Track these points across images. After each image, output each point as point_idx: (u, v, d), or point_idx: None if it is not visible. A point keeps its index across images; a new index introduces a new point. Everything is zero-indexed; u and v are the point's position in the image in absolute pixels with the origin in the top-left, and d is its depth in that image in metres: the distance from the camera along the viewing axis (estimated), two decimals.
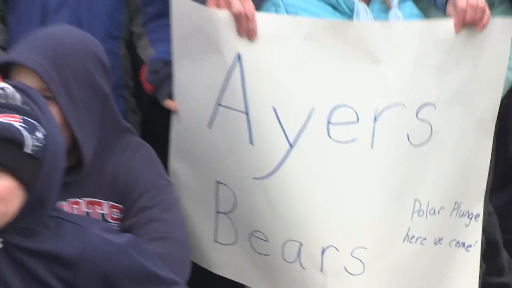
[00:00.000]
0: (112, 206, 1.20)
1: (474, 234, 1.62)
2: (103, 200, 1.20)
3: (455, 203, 1.63)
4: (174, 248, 1.18)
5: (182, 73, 1.39)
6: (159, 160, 1.29)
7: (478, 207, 1.61)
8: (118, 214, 1.21)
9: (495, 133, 1.59)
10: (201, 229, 1.53)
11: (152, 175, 1.24)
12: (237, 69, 1.29)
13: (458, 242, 1.63)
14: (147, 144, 1.30)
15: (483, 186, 1.60)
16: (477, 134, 1.47)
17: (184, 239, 1.24)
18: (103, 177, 1.20)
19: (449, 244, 1.64)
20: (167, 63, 1.40)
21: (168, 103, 1.42)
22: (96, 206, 1.21)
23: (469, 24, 1.29)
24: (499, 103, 1.43)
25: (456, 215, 1.60)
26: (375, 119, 1.34)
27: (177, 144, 1.47)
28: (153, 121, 1.64)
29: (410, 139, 1.38)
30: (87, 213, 1.20)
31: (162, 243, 1.16)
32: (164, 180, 1.26)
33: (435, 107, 1.37)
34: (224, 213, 1.48)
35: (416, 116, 1.37)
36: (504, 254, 2.03)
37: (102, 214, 1.21)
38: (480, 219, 1.61)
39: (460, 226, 1.62)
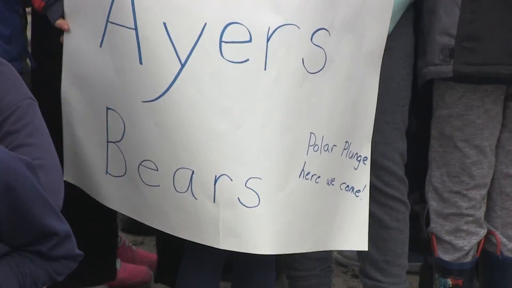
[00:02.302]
0: None
1: (362, 178, 1.58)
2: None
3: (346, 142, 1.60)
4: (46, 175, 1.07)
5: None
6: (20, 78, 1.17)
7: (366, 150, 1.59)
8: None
9: None
10: (93, 160, 1.45)
11: (15, 96, 1.12)
12: None
13: (348, 186, 1.59)
14: (6, 61, 1.17)
15: (371, 128, 1.58)
16: (366, 68, 1.45)
17: (55, 164, 1.13)
18: None
19: (340, 187, 1.60)
20: None
21: (60, 22, 1.34)
22: None
23: None
24: (386, 37, 1.41)
25: (346, 155, 1.57)
26: (268, 39, 1.31)
27: (69, 67, 1.39)
28: None
29: (305, 64, 1.33)
30: None
31: None
32: (28, 99, 1.14)
33: (329, 34, 1.35)
34: (114, 143, 1.39)
35: (311, 40, 1.34)
36: None
37: None
38: (368, 162, 1.59)
39: (349, 168, 1.57)
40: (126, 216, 1.70)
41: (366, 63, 1.45)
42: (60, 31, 1.36)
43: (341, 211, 1.63)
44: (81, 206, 1.51)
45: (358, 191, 1.66)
